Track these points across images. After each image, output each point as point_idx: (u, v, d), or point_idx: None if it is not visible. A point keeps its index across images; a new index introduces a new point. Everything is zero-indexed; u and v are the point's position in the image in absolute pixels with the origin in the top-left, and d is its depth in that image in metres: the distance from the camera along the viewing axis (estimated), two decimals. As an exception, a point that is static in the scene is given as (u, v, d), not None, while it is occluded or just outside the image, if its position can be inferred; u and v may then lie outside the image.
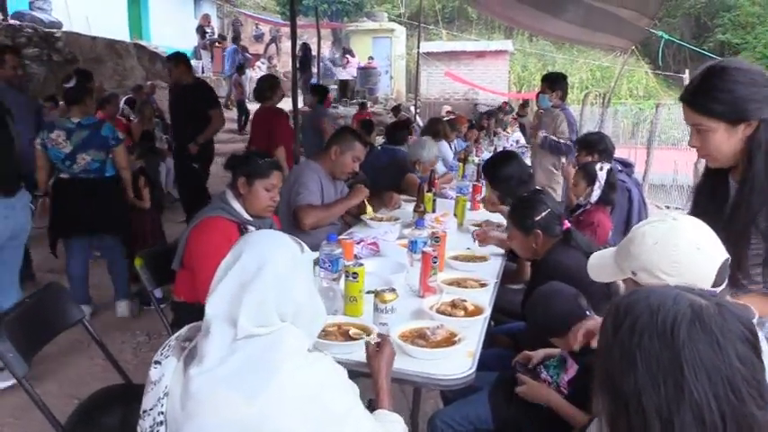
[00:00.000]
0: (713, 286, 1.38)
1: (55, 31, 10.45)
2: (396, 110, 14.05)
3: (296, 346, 1.33)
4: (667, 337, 0.89)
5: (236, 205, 2.58)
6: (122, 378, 2.29)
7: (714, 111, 1.64)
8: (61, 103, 6.50)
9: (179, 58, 5.61)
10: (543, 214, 2.51)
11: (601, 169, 3.48)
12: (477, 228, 3.45)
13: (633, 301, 0.97)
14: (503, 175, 3.47)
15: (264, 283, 1.33)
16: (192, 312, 1.89)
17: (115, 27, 13.94)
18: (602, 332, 0.99)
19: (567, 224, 2.53)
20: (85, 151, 4.02)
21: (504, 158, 3.63)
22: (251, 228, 2.57)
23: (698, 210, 1.80)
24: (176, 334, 1.44)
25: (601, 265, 1.61)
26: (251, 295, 1.32)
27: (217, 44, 16.98)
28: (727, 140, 1.67)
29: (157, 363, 1.36)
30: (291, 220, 3.34)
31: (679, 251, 1.39)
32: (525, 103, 13.64)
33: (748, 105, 1.61)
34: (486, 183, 3.73)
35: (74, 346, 3.75)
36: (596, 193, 3.44)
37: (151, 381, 1.34)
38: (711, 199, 1.78)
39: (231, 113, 14.11)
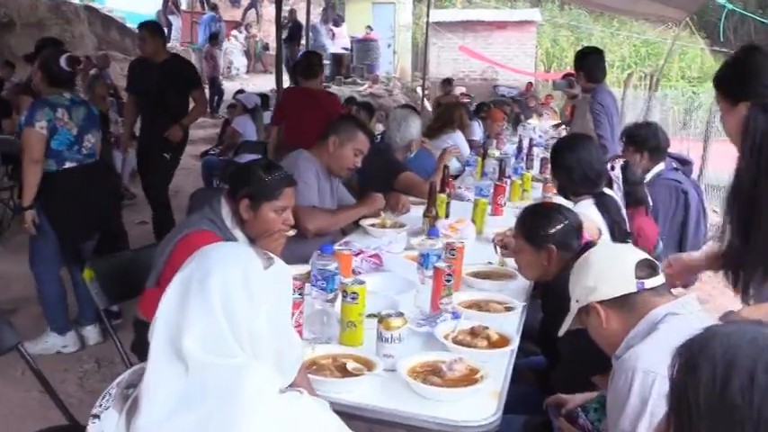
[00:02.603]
0: (639, 278, 1.73)
1: (-13, -11, 10.46)
2: (445, 82, 13.77)
3: (260, 391, 1.29)
4: None
5: (231, 225, 2.52)
6: (65, 417, 2.26)
7: (719, 88, 2.05)
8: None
9: (154, 29, 5.59)
10: (559, 227, 2.48)
11: (612, 168, 3.47)
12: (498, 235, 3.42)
13: (728, 346, 1.01)
14: (564, 164, 3.41)
15: (209, 299, 1.30)
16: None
17: (62, -14, 13.90)
18: (697, 388, 1.02)
19: (587, 238, 2.51)
20: (89, 132, 4.08)
21: (570, 143, 3.56)
22: None
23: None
24: (117, 379, 1.42)
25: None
26: (195, 311, 1.30)
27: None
28: (729, 120, 2.02)
29: (95, 417, 1.34)
30: None
31: (597, 259, 1.82)
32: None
33: (740, 85, 1.98)
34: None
35: (4, 374, 3.71)
36: (619, 197, 3.42)
37: None
38: None
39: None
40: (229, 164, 6.38)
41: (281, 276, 1.42)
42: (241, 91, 10.61)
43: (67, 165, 4.02)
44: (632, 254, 1.82)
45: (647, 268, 1.77)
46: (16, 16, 10.52)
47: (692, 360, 1.03)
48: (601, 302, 1.76)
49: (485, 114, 8.19)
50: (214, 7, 18.00)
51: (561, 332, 1.92)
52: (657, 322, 1.67)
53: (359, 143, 3.49)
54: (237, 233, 2.52)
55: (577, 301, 1.83)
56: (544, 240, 2.46)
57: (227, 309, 1.30)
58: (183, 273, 1.37)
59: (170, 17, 16.82)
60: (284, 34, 13.99)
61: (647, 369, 1.56)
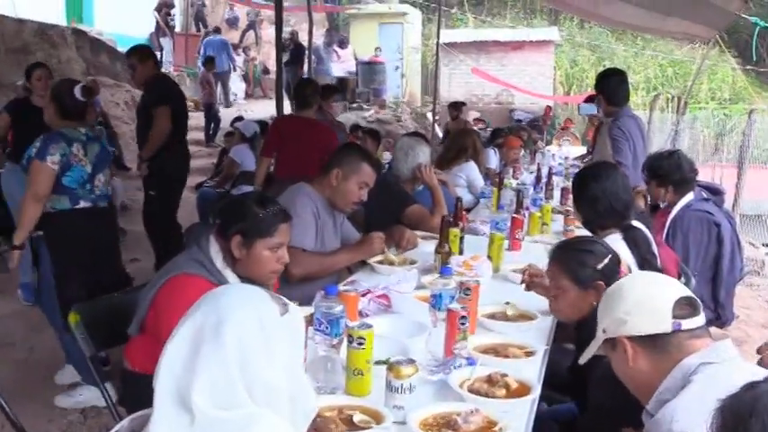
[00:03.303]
0: (676, 318, 1.70)
1: (-32, 12, 10.61)
2: (455, 106, 12.76)
3: None
4: None
5: (221, 265, 2.52)
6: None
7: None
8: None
9: (145, 52, 5.59)
10: (606, 261, 2.47)
11: None
12: (520, 273, 3.40)
13: None
14: (588, 194, 3.40)
15: (224, 348, 1.30)
16: (148, 386, 1.85)
17: (48, 8, 14.13)
18: None
19: (625, 271, 2.50)
20: (102, 170, 4.08)
21: (594, 172, 3.55)
22: None
23: None
24: (117, 427, 1.42)
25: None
26: (206, 363, 1.30)
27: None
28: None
29: None
30: None
31: (632, 288, 1.81)
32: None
33: None
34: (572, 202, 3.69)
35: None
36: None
37: None
38: None
39: (196, 119, 14.21)
40: (219, 198, 6.36)
41: (297, 323, 1.43)
42: (239, 118, 10.68)
43: (81, 204, 3.98)
44: (673, 289, 1.80)
45: (687, 307, 1.74)
46: (0, 41, 10.69)
47: (740, 424, 1.01)
48: (630, 338, 1.74)
49: (501, 141, 8.21)
50: (218, 30, 18.24)
51: (583, 360, 1.91)
52: (691, 374, 1.64)
53: (364, 176, 3.49)
54: (228, 274, 2.51)
55: (604, 331, 1.81)
56: (593, 278, 2.45)
57: (243, 360, 1.31)
58: (193, 319, 1.36)
59: (161, 40, 17.01)
60: (285, 57, 14.15)
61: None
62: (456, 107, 12.56)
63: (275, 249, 2.53)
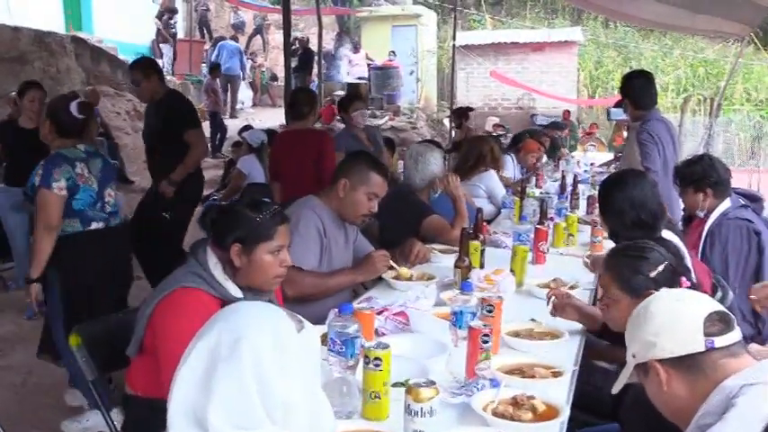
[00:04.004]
0: (708, 335, 1.68)
1: (-38, 20, 10.72)
2: (459, 114, 11.73)
3: None
4: None
5: (221, 276, 2.53)
6: None
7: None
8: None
9: (149, 67, 5.57)
10: (661, 268, 2.44)
11: None
12: (545, 288, 3.39)
13: None
14: (614, 205, 3.38)
15: (240, 366, 1.32)
16: (151, 410, 1.85)
17: (46, 15, 14.28)
18: None
19: (687, 282, 2.47)
20: (108, 185, 4.08)
21: (620, 180, 3.54)
22: None
23: None
24: None
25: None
26: (223, 381, 1.31)
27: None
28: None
29: None
30: None
31: (658, 308, 1.78)
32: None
33: None
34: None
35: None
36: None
37: None
38: None
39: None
40: (209, 209, 6.41)
41: (313, 340, 1.46)
42: (248, 127, 10.67)
43: (94, 226, 3.98)
44: (701, 304, 1.77)
45: (718, 323, 1.71)
46: (-5, 49, 10.80)
47: None
48: (661, 361, 1.72)
49: (519, 146, 8.18)
50: (234, 38, 18.37)
51: (615, 389, 1.89)
52: (733, 396, 1.61)
53: (373, 186, 3.48)
54: (230, 285, 2.52)
55: (634, 356, 1.80)
56: (645, 287, 2.42)
57: (260, 378, 1.32)
58: (208, 337, 1.38)
59: (162, 46, 17.12)
60: (294, 63, 14.21)
61: None
62: (459, 114, 11.70)
63: (276, 253, 2.55)
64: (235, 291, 2.52)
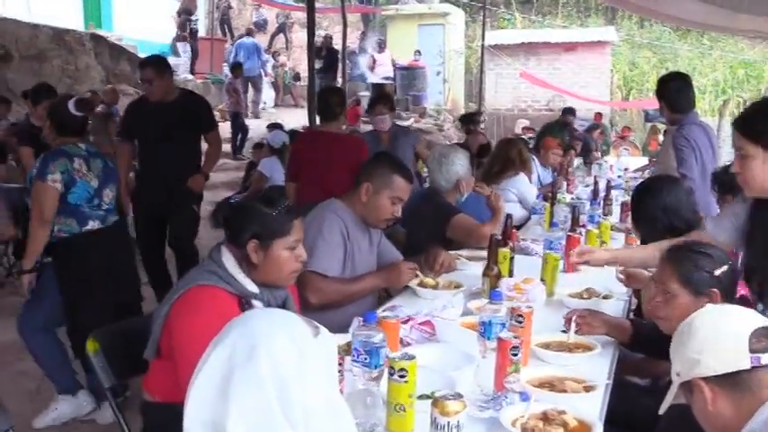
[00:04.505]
0: (754, 352, 1.67)
1: (-19, 16, 10.86)
2: (467, 120, 11.71)
3: None
4: None
5: (238, 273, 2.56)
6: None
7: (755, 136, 2.53)
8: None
9: (163, 64, 5.63)
10: (725, 268, 2.40)
11: None
12: (577, 297, 3.37)
13: None
14: (646, 213, 3.36)
15: (258, 372, 1.33)
16: (171, 416, 1.86)
17: (65, 12, 14.43)
18: None
19: (743, 289, 2.44)
20: (108, 185, 4.19)
21: (652, 187, 3.52)
22: (256, 303, 2.56)
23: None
24: None
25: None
26: (241, 389, 1.32)
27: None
28: (763, 168, 2.54)
29: None
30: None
31: (702, 324, 1.78)
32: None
33: None
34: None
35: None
36: None
37: None
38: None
39: (221, 130, 14.30)
40: (221, 206, 6.48)
41: (330, 345, 1.46)
42: (276, 125, 10.64)
43: (90, 225, 4.07)
44: (746, 320, 1.76)
45: (765, 339, 1.69)
46: (14, 48, 10.90)
47: None
48: (706, 379, 1.71)
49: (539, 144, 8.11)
50: (250, 32, 18.43)
51: (662, 410, 1.87)
52: None
53: (396, 190, 3.48)
54: (247, 282, 2.56)
55: (678, 375, 1.78)
56: (708, 284, 2.39)
57: (279, 384, 1.33)
58: (223, 345, 1.39)
59: (178, 45, 17.16)
60: (318, 65, 14.23)
61: None
62: (466, 120, 11.51)
63: (293, 248, 2.58)
64: (251, 286, 2.56)
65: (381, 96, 7.81)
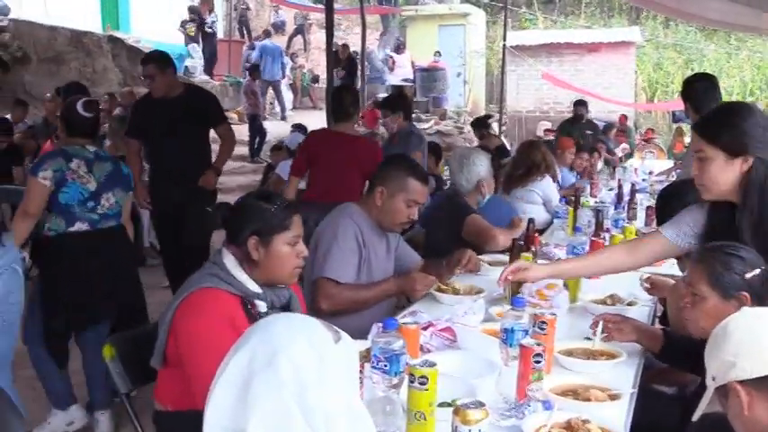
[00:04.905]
0: None
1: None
2: (479, 124, 11.36)
3: None
4: None
5: (240, 273, 2.57)
6: None
7: (716, 139, 2.61)
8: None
9: (164, 60, 5.66)
10: (757, 272, 2.37)
11: None
12: (601, 304, 3.35)
13: None
14: (672, 217, 3.33)
15: (279, 378, 1.33)
16: (184, 424, 1.86)
17: (82, 14, 14.54)
18: None
19: None
20: (111, 190, 4.19)
21: (678, 190, 3.49)
22: (259, 303, 2.57)
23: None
24: None
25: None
26: (261, 395, 1.33)
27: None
28: (723, 172, 2.61)
29: None
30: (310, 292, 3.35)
31: (737, 326, 1.78)
32: None
33: (750, 141, 2.55)
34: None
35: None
36: None
37: None
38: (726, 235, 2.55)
39: (238, 132, 14.31)
40: (219, 207, 6.54)
41: (352, 351, 1.46)
42: (299, 126, 10.65)
43: (77, 226, 4.08)
44: None
45: None
46: (32, 50, 10.99)
47: None
48: (742, 382, 1.70)
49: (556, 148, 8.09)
50: (268, 33, 18.45)
51: (696, 416, 1.86)
52: None
53: (412, 193, 3.46)
54: (249, 282, 2.56)
55: (714, 379, 1.77)
56: (738, 287, 2.35)
57: (300, 390, 1.34)
58: (243, 351, 1.39)
59: (189, 46, 17.08)
60: (340, 73, 14.16)
61: None
62: (479, 125, 11.17)
63: (293, 243, 2.59)
64: (254, 286, 2.57)
65: (385, 100, 7.80)
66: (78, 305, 4.12)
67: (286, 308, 2.69)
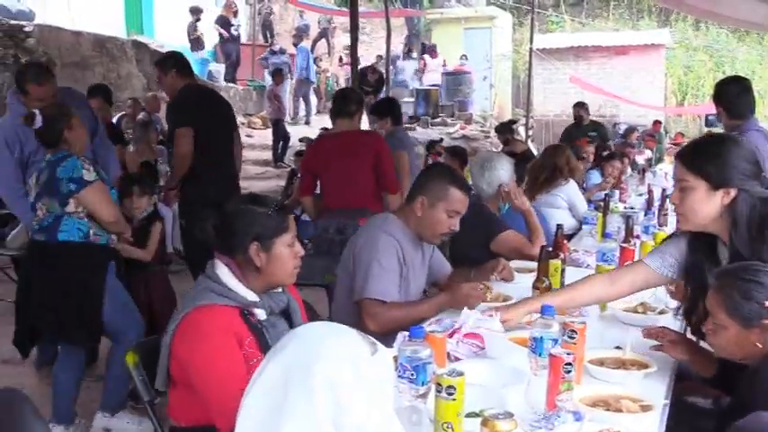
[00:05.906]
0: None
1: (25, 23, 11.12)
2: (504, 129, 11.58)
3: None
4: None
5: (235, 284, 2.55)
6: None
7: (701, 168, 2.61)
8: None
9: (165, 61, 5.60)
10: None
11: None
12: (631, 312, 3.31)
13: None
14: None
15: (314, 391, 1.33)
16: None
17: (107, 19, 14.69)
18: None
19: None
20: (40, 199, 3.96)
21: None
22: (258, 311, 2.55)
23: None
24: None
25: None
26: (295, 407, 1.32)
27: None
28: (703, 203, 2.62)
29: None
30: (350, 309, 3.32)
31: None
32: None
33: (733, 174, 2.56)
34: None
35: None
36: None
37: None
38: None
39: (262, 137, 14.34)
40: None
41: (388, 362, 1.47)
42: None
43: (35, 237, 4.07)
44: None
45: None
46: (56, 55, 11.10)
47: None
48: None
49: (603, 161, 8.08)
50: (300, 37, 18.54)
51: None
52: None
53: (453, 203, 3.42)
54: (247, 292, 2.54)
55: None
56: (758, 315, 2.32)
57: (335, 403, 1.34)
58: (277, 361, 1.40)
59: (194, 53, 17.00)
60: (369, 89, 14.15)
61: None
62: (504, 130, 11.27)
63: (291, 244, 2.59)
64: (251, 295, 2.55)
65: (374, 105, 7.73)
66: (22, 317, 4.12)
67: (285, 312, 2.70)
